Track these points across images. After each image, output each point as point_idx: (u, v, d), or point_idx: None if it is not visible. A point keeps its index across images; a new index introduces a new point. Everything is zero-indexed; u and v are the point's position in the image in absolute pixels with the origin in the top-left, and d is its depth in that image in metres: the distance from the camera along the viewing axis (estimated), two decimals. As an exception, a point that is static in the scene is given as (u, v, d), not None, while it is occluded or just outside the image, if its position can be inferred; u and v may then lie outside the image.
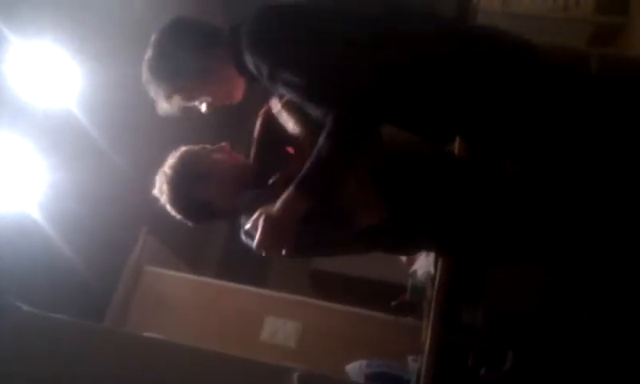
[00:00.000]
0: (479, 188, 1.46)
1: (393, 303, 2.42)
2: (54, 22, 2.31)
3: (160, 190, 1.56)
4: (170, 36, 1.51)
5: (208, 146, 1.61)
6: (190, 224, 1.60)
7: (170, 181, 1.54)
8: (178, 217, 1.58)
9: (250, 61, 1.40)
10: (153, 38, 1.52)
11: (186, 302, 2.98)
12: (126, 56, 2.60)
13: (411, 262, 2.42)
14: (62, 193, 2.15)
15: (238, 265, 3.01)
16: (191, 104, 1.55)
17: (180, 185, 1.54)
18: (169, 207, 1.56)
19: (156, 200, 1.58)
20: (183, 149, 1.59)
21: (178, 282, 3.06)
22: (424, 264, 2.28)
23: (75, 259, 2.31)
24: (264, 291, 3.05)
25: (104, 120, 2.37)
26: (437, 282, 2.05)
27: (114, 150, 2.34)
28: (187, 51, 1.48)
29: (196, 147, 1.60)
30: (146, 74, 1.51)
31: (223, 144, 1.61)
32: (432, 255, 2.18)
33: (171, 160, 1.57)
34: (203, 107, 1.55)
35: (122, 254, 2.96)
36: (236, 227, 1.53)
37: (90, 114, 2.34)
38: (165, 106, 1.52)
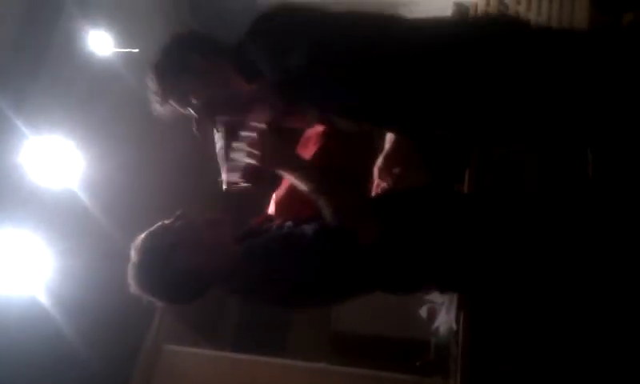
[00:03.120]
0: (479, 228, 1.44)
1: (418, 363, 2.35)
2: (64, 114, 2.38)
3: (134, 282, 1.42)
4: (178, 40, 1.54)
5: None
6: (182, 305, 1.51)
7: (139, 265, 1.42)
8: (165, 302, 1.48)
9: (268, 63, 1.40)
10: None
11: (207, 379, 2.91)
12: (132, 142, 2.67)
13: (432, 318, 2.36)
14: (72, 279, 2.15)
15: (256, 333, 2.97)
16: (185, 111, 1.52)
17: (153, 265, 1.41)
18: (150, 296, 1.44)
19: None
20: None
21: (198, 359, 3.00)
22: (445, 320, 2.22)
23: (88, 348, 2.28)
24: (284, 361, 2.98)
25: (111, 203, 2.39)
26: (461, 338, 1.99)
27: (122, 232, 2.35)
28: (193, 53, 1.49)
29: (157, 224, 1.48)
30: (149, 75, 1.52)
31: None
32: (453, 310, 2.13)
33: (134, 248, 1.45)
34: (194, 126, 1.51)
35: (138, 337, 2.92)
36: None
37: (97, 198, 2.36)
38: (160, 108, 1.51)
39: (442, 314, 2.24)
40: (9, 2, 2.50)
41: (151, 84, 1.52)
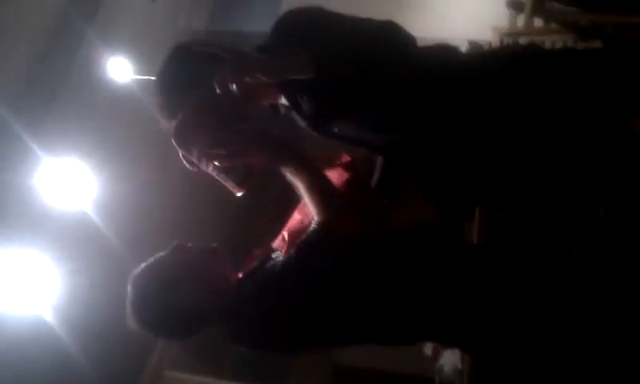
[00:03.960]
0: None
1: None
2: (80, 137, 2.42)
3: (131, 317, 1.37)
4: (182, 54, 1.48)
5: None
6: (179, 340, 1.46)
7: (136, 300, 1.36)
8: (161, 337, 1.46)
9: None
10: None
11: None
12: (144, 166, 2.71)
13: (437, 356, 2.35)
14: (79, 300, 2.16)
15: (258, 363, 2.94)
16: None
17: (149, 300, 1.36)
18: (147, 331, 1.38)
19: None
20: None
21: (198, 386, 2.99)
22: (450, 359, 2.21)
23: (91, 368, 2.28)
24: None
25: (122, 225, 2.41)
26: (465, 378, 1.98)
27: (131, 254, 2.37)
28: (198, 65, 1.44)
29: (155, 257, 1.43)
30: (154, 88, 1.48)
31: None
32: (458, 350, 2.12)
33: (130, 283, 1.39)
34: None
35: (140, 360, 2.92)
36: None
37: (108, 220, 2.38)
38: (166, 124, 1.46)
39: (447, 353, 2.23)
40: (32, 27, 2.57)
41: (156, 100, 1.47)
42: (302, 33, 1.39)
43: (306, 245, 1.33)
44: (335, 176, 1.54)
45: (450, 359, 2.19)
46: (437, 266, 1.38)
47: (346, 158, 1.61)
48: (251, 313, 1.36)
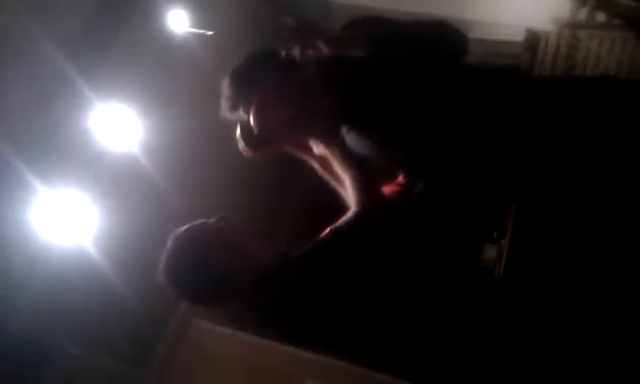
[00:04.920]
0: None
1: (437, 377, 2.35)
2: (133, 86, 2.49)
3: (164, 272, 1.40)
4: (261, 54, 1.57)
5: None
6: (203, 305, 1.48)
7: (174, 257, 1.40)
8: (186, 299, 1.47)
9: None
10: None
11: (230, 358, 2.98)
12: (194, 117, 2.76)
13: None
14: (121, 236, 2.24)
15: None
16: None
17: (187, 260, 1.39)
18: (174, 289, 1.42)
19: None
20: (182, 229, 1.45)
21: (224, 338, 3.07)
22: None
23: (128, 303, 2.38)
24: (307, 354, 3.02)
25: (166, 169, 2.48)
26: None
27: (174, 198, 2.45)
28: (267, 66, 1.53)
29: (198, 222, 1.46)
30: (225, 80, 1.56)
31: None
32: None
33: (172, 239, 1.43)
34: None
35: (173, 304, 3.02)
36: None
37: (153, 163, 2.46)
38: (228, 114, 1.55)
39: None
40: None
41: (225, 89, 1.55)
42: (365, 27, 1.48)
43: (339, 231, 1.37)
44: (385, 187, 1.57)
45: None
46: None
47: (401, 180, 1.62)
48: (283, 297, 1.40)
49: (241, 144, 1.58)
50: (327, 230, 1.40)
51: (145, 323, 2.66)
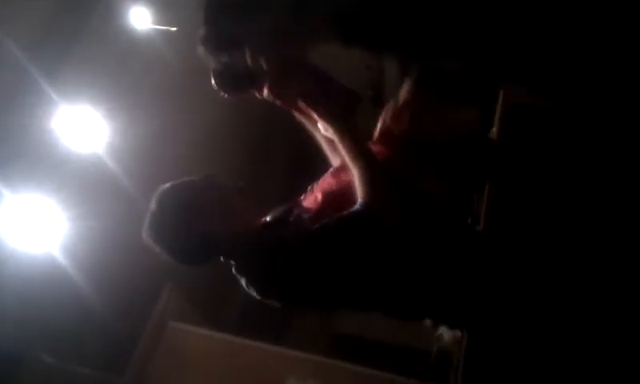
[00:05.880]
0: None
1: (418, 367, 2.37)
2: (96, 86, 2.43)
3: (148, 232, 1.39)
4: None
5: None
6: (187, 264, 1.47)
7: (158, 216, 1.38)
8: (172, 257, 1.42)
9: None
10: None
11: (208, 359, 2.95)
12: (160, 114, 2.72)
13: (436, 325, 2.37)
14: (90, 241, 2.19)
15: (260, 321, 2.98)
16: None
17: (172, 218, 1.37)
18: (160, 248, 1.40)
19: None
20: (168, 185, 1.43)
21: (201, 339, 3.04)
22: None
23: (100, 309, 2.32)
24: (286, 351, 3.01)
25: (133, 171, 2.44)
26: (464, 346, 2.00)
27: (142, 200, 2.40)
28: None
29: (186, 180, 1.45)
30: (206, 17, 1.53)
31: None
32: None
33: (156, 197, 1.42)
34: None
35: (147, 307, 2.97)
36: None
37: (120, 165, 2.41)
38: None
39: (447, 322, 2.25)
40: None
41: (210, 22, 1.50)
42: None
43: (347, 221, 1.36)
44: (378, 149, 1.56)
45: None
46: (444, 248, 1.44)
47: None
48: (272, 260, 1.38)
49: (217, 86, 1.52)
50: (330, 218, 1.39)
51: (120, 328, 2.61)
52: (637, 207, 1.56)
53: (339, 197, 1.45)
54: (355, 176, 1.41)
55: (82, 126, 2.39)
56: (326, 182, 1.57)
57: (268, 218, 1.49)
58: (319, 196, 1.50)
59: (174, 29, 2.82)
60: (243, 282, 1.41)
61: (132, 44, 2.75)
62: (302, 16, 1.50)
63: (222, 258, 1.44)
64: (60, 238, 2.15)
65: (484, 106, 1.97)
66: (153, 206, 1.41)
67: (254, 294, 1.41)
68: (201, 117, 2.86)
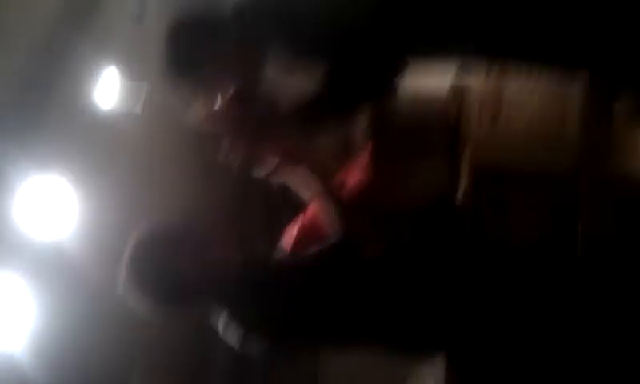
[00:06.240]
0: None
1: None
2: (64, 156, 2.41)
3: (124, 273, 1.40)
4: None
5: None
6: (166, 308, 1.45)
7: (135, 256, 1.40)
8: (149, 300, 1.42)
9: None
10: None
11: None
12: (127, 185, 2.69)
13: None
14: (54, 329, 2.15)
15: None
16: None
17: (148, 258, 1.40)
18: (136, 290, 1.40)
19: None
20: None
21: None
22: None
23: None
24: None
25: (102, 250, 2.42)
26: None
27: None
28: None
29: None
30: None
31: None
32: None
33: (133, 237, 1.43)
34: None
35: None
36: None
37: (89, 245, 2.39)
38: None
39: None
40: (21, 32, 2.54)
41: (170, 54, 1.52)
42: None
43: (320, 255, 1.41)
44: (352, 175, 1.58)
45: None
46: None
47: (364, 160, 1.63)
48: (253, 302, 1.41)
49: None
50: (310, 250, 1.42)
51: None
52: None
53: (315, 232, 1.48)
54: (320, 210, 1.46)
55: (51, 197, 2.38)
56: (303, 218, 1.59)
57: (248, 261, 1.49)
58: (294, 233, 1.53)
59: (145, 91, 2.83)
60: (231, 328, 1.40)
61: (101, 111, 2.74)
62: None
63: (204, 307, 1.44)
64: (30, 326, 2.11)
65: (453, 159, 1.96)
66: (129, 245, 1.41)
67: (242, 338, 1.40)
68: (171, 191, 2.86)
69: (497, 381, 1.60)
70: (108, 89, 2.82)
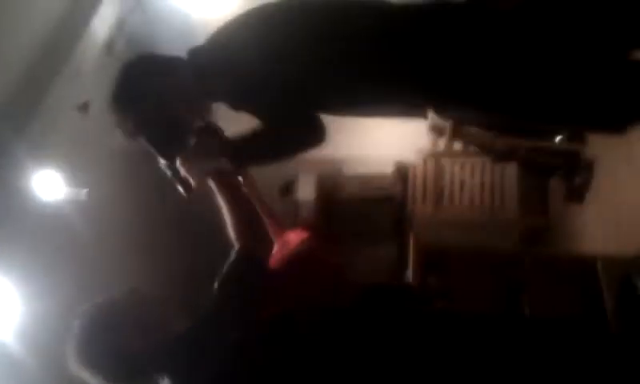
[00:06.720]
0: None
1: None
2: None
3: (71, 354, 1.36)
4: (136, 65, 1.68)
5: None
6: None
7: (79, 337, 1.36)
8: (98, 380, 1.36)
9: None
10: None
11: None
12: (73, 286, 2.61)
13: None
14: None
15: None
16: None
17: (92, 339, 1.35)
18: (84, 370, 1.35)
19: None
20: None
21: None
22: None
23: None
24: None
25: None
26: None
27: None
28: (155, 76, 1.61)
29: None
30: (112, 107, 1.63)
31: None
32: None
33: (77, 318, 1.40)
34: None
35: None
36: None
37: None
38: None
39: None
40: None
41: (118, 116, 1.57)
42: None
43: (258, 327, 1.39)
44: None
45: None
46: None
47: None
48: (193, 372, 1.34)
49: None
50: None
51: None
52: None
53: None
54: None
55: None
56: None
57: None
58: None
59: (85, 191, 2.80)
60: None
61: (40, 212, 2.68)
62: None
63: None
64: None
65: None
66: (74, 327, 1.39)
67: None
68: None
69: None
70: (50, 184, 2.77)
